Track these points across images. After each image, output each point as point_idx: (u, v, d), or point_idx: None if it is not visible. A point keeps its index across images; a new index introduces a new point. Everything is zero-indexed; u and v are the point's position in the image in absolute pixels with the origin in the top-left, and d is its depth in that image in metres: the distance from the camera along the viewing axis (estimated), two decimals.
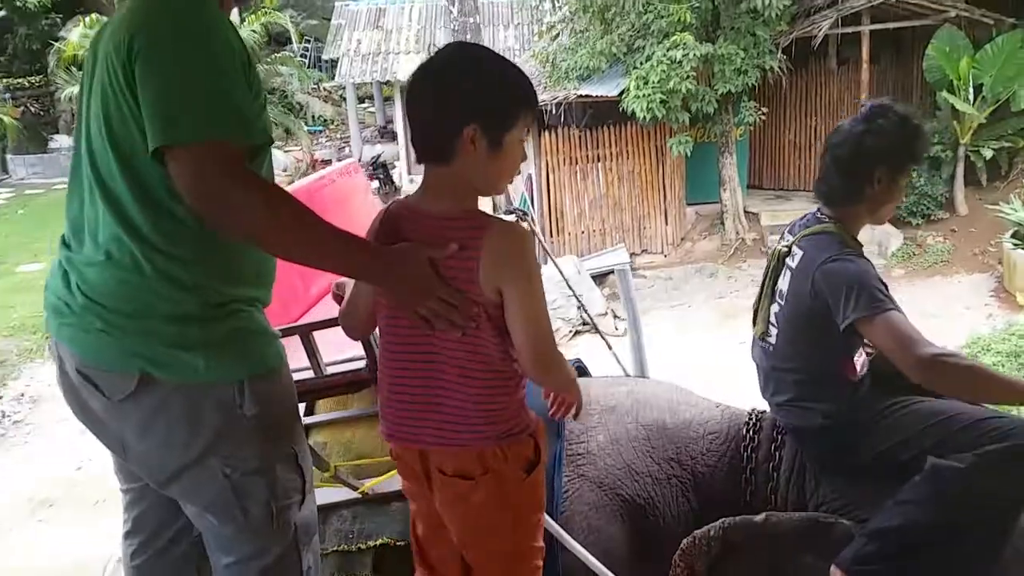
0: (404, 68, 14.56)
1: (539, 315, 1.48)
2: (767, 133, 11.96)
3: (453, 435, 1.55)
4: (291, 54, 17.67)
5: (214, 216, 1.36)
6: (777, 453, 2.34)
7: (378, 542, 2.18)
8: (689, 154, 10.74)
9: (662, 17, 10.00)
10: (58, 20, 18.71)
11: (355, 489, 2.17)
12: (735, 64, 9.95)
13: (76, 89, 13.83)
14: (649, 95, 9.90)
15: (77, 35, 13.96)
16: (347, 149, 19.51)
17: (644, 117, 10.06)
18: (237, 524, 1.56)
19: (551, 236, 11.44)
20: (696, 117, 10.47)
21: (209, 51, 1.38)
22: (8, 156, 19.56)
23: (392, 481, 2.18)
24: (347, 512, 2.24)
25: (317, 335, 1.87)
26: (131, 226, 1.43)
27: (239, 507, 1.54)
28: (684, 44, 9.77)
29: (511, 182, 1.65)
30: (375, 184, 16.76)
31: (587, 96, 10.83)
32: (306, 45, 22.69)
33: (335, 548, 2.21)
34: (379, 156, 17.23)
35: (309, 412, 2.45)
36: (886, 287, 2.06)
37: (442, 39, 12.57)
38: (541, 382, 1.59)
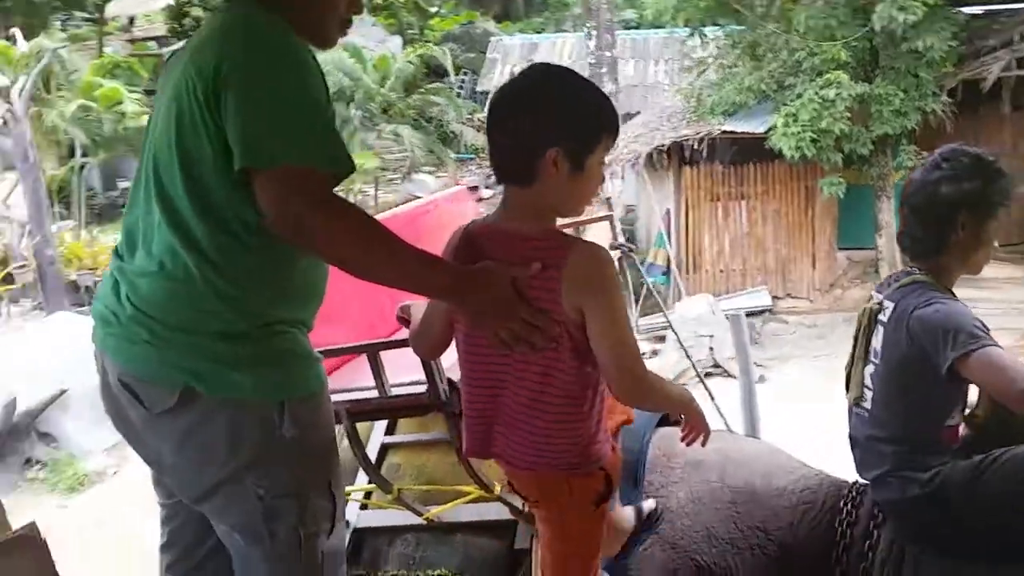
0: None
1: (623, 334, 1.45)
2: None
3: (521, 458, 1.54)
4: (447, 86, 18.31)
5: (295, 238, 1.39)
6: (876, 531, 2.13)
7: (435, 572, 2.16)
8: (842, 196, 10.24)
9: (815, 55, 9.64)
10: None
11: (419, 515, 2.16)
12: (893, 105, 9.43)
13: None
14: (799, 133, 9.54)
15: None
16: (493, 177, 19.88)
17: (793, 156, 9.70)
18: (264, 547, 1.53)
19: (687, 273, 11.20)
20: (850, 158, 9.98)
21: (301, 81, 1.42)
22: None
23: (459, 511, 2.16)
24: (411, 537, 2.24)
25: (385, 357, 1.88)
26: (188, 238, 1.45)
27: (268, 529, 1.52)
28: (838, 83, 9.37)
29: (591, 204, 1.64)
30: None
31: (732, 132, 10.57)
32: (463, 77, 23.47)
33: (395, 572, 2.21)
34: None
35: (390, 431, 2.47)
36: (984, 326, 1.93)
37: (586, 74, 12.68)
38: (634, 403, 1.55)
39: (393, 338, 1.78)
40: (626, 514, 2.17)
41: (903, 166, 10.12)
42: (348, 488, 2.25)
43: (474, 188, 3.53)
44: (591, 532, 1.63)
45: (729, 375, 9.62)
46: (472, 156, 22.43)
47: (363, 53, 14.49)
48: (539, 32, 21.83)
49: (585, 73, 9.50)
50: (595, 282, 1.42)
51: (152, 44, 21.17)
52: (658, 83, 15.28)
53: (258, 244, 1.46)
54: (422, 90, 16.51)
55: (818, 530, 2.18)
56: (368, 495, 2.31)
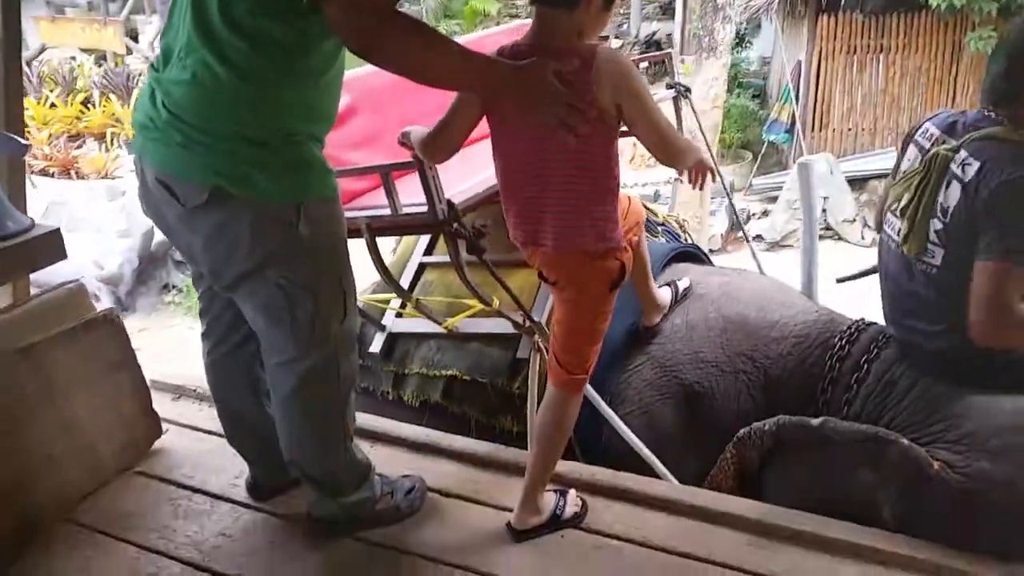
0: None
1: (657, 117, 1.72)
2: None
3: (557, 240, 1.81)
4: None
5: (372, 52, 1.55)
6: (866, 365, 2.22)
7: (448, 373, 2.44)
8: (991, 52, 9.32)
9: None
10: None
11: (439, 323, 2.43)
12: None
13: None
14: None
15: None
16: (625, 25, 19.19)
17: (940, 4, 8.87)
18: (284, 328, 1.79)
19: (812, 131, 10.68)
20: (1007, 8, 9.01)
21: None
22: None
23: (473, 322, 2.42)
24: (434, 343, 2.53)
25: (401, 182, 2.08)
26: (221, 53, 1.58)
27: (288, 312, 1.76)
28: None
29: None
30: (643, 65, 16.40)
31: None
32: None
33: (418, 371, 2.51)
34: (654, 34, 16.77)
35: (429, 251, 2.72)
36: None
37: None
38: (673, 165, 1.77)
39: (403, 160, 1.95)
40: (663, 293, 2.46)
41: None
42: (383, 295, 2.54)
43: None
44: (602, 312, 1.93)
45: (842, 239, 9.35)
46: None
47: None
48: None
49: None
50: (625, 79, 1.67)
51: None
52: None
53: (284, 61, 1.61)
54: None
55: (806, 363, 2.29)
56: (404, 305, 2.60)
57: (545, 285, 1.99)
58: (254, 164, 1.67)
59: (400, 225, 2.10)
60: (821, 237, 9.71)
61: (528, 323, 2.30)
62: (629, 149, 9.88)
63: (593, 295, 1.90)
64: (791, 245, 9.24)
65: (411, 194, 2.03)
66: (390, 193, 2.04)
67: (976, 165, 1.86)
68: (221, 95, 1.63)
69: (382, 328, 2.58)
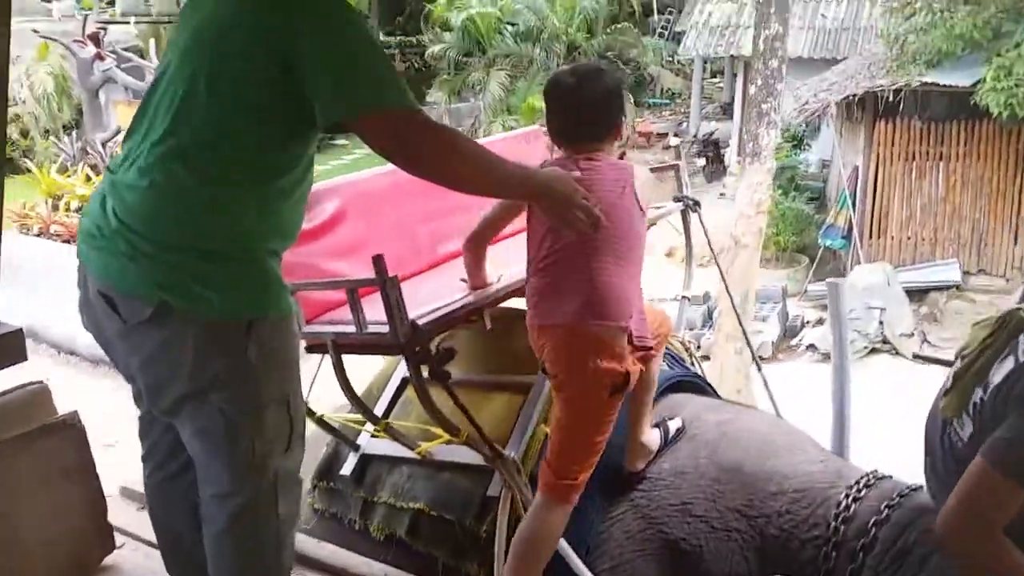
0: (748, 43, 14.00)
1: None
2: None
3: (568, 311, 1.92)
4: (641, 26, 17.77)
5: (419, 168, 1.65)
6: (873, 529, 1.95)
7: (416, 506, 2.25)
8: None
9: None
10: None
11: (412, 448, 2.26)
12: None
13: (438, 48, 15.46)
14: (1010, 89, 8.47)
15: None
16: (685, 124, 19.32)
17: (1001, 114, 8.65)
18: (221, 458, 1.66)
19: (870, 238, 10.37)
20: None
21: (366, 30, 1.63)
22: None
23: (449, 449, 2.23)
24: (406, 469, 2.35)
25: (373, 297, 1.96)
26: (192, 156, 1.54)
27: (227, 441, 1.64)
28: None
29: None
30: (702, 161, 16.41)
31: (934, 84, 9.52)
32: (668, 17, 22.66)
33: (386, 500, 2.33)
34: (712, 133, 16.81)
35: None
36: None
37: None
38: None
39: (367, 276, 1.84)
40: (653, 435, 2.26)
41: None
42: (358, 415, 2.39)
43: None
44: (601, 419, 1.95)
45: (899, 354, 8.92)
46: (668, 102, 21.73)
47: None
48: None
49: (750, 13, 8.68)
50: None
51: None
52: (871, 27, 13.97)
53: (259, 171, 1.58)
54: (609, 30, 16.16)
55: (806, 524, 2.03)
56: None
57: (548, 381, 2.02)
58: (205, 278, 1.58)
59: (365, 344, 1.97)
60: (877, 351, 9.39)
61: (499, 456, 2.11)
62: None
63: (592, 396, 1.91)
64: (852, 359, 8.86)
65: (381, 311, 1.90)
66: (355, 310, 1.92)
67: None
68: (180, 201, 1.57)
69: (356, 448, 2.42)
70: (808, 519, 2.02)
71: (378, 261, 1.82)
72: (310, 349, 2.12)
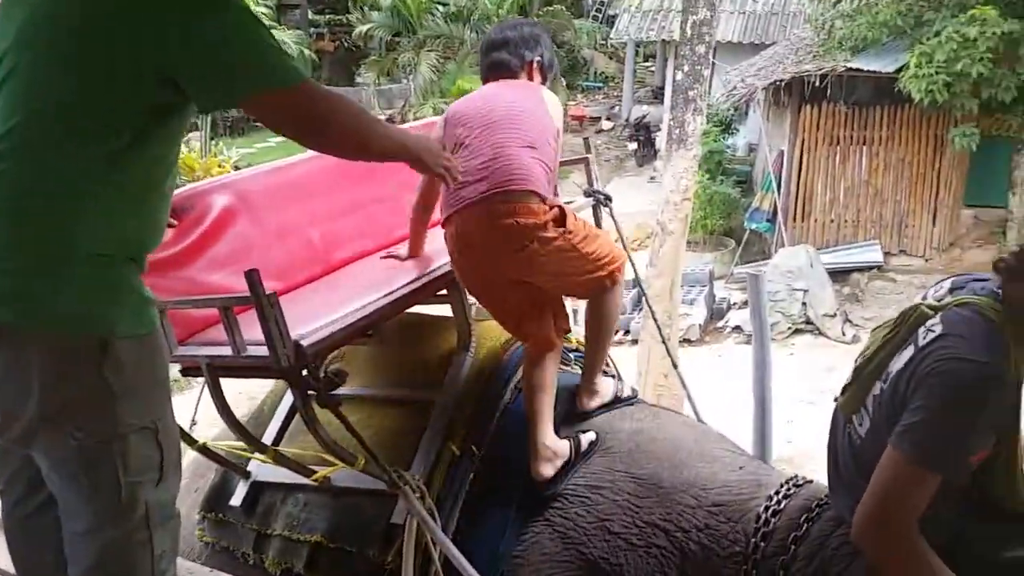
0: (678, 27, 14.03)
1: None
2: None
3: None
4: (564, 9, 17.64)
5: (322, 140, 1.62)
6: (793, 547, 1.88)
7: (313, 538, 2.10)
8: (975, 148, 9.25)
9: None
10: None
11: (307, 475, 2.10)
12: None
13: (367, 28, 15.11)
14: (932, 75, 8.59)
15: None
16: (617, 108, 19.33)
17: (923, 100, 8.78)
18: (83, 493, 1.50)
19: (794, 221, 10.51)
20: (988, 105, 8.94)
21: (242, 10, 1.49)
22: None
23: (350, 476, 2.09)
24: (302, 496, 2.19)
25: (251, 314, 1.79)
26: (33, 141, 1.39)
27: (87, 475, 1.49)
28: (983, 19, 8.33)
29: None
30: (633, 146, 16.45)
31: (858, 70, 9.65)
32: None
33: (280, 532, 2.17)
34: (644, 117, 16.83)
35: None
36: (968, 447, 1.53)
37: None
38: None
39: (244, 294, 1.67)
40: (562, 445, 2.14)
41: None
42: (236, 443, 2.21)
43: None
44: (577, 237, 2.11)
45: (822, 334, 9.07)
46: (601, 85, 21.71)
47: None
48: None
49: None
50: None
51: None
52: (800, 12, 14.12)
53: (115, 158, 1.41)
54: (541, 12, 16.01)
55: (726, 539, 1.95)
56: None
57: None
58: (47, 290, 1.40)
59: (241, 368, 1.80)
60: (801, 331, 9.54)
61: (403, 481, 1.97)
62: None
63: (525, 247, 2.03)
64: (772, 339, 8.97)
65: (257, 329, 1.74)
66: (230, 331, 1.75)
67: (936, 332, 1.57)
68: (16, 199, 1.39)
69: (246, 476, 2.24)
70: (728, 535, 1.95)
71: (251, 276, 1.65)
72: (185, 372, 1.95)
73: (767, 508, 1.95)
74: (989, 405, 1.52)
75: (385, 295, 2.05)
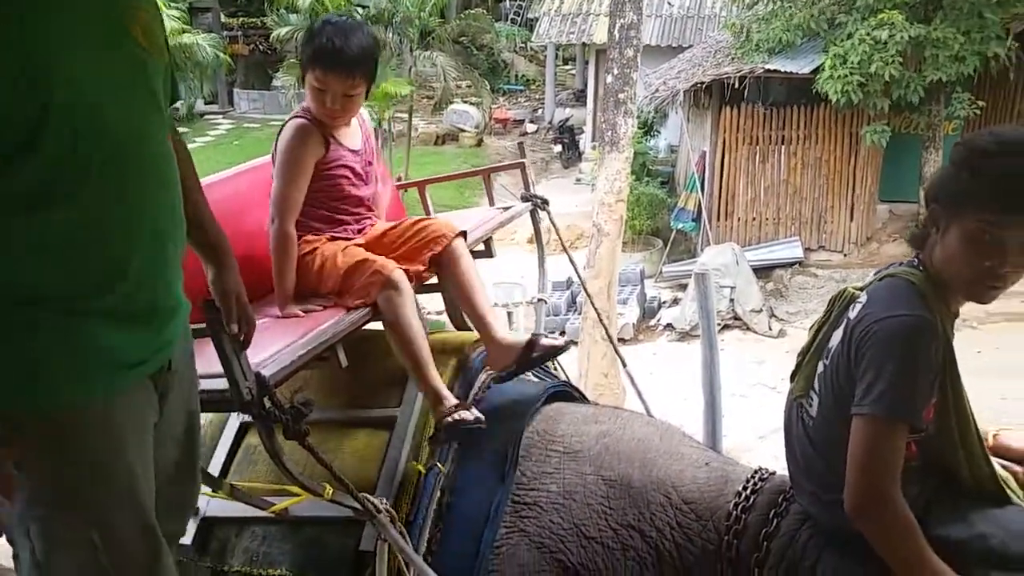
0: (600, 30, 14.18)
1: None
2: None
3: None
4: (492, 12, 17.68)
5: None
6: (765, 544, 1.89)
7: (276, 572, 2.00)
8: (886, 145, 9.63)
9: None
10: None
11: (264, 508, 1.99)
12: (951, 49, 8.68)
13: (285, 31, 14.73)
14: (846, 77, 8.91)
15: None
16: (540, 111, 19.44)
17: (838, 100, 9.09)
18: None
19: (718, 220, 10.75)
20: (898, 105, 9.31)
21: None
22: (235, 90, 21.25)
23: (309, 506, 1.99)
24: (259, 530, 2.08)
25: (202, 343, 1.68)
26: None
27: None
28: (892, 23, 8.67)
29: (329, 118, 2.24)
30: (558, 148, 16.57)
31: (776, 72, 9.94)
32: (520, 3, 22.72)
33: (239, 568, 2.05)
34: (567, 120, 16.98)
35: None
36: (920, 389, 1.57)
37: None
38: None
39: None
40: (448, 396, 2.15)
41: (956, 116, 9.45)
42: None
43: None
44: None
45: (749, 329, 9.29)
46: (522, 88, 21.81)
47: None
48: None
49: (605, 2, 8.85)
50: None
51: None
52: (716, 15, 14.47)
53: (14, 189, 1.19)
54: (462, 15, 15.97)
55: (699, 537, 1.95)
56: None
57: None
58: None
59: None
60: (729, 327, 9.76)
61: (374, 507, 1.89)
62: None
63: None
64: (697, 335, 9.15)
65: (211, 361, 1.63)
66: None
67: (863, 302, 1.66)
68: None
69: (194, 512, 2.12)
70: (700, 533, 1.94)
71: (209, 307, 1.55)
72: None
73: (736, 505, 1.95)
74: (925, 349, 1.57)
75: (343, 315, 1.97)
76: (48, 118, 1.19)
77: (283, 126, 2.25)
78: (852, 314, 1.67)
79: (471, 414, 2.09)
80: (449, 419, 2.06)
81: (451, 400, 2.10)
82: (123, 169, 1.28)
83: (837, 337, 1.69)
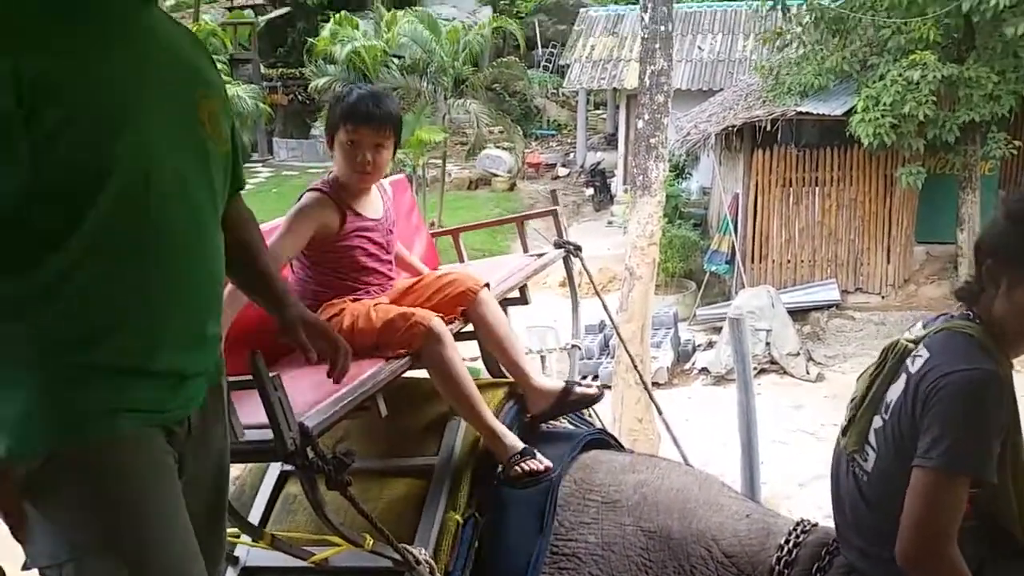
0: (631, 76, 14.35)
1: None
2: (1023, 171, 10.35)
3: None
4: (528, 59, 18.00)
5: None
6: None
7: None
8: (922, 186, 9.56)
9: (902, 33, 8.93)
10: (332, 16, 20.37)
11: (303, 558, 2.01)
12: (985, 89, 8.66)
13: (323, 81, 15.11)
14: (878, 119, 8.90)
15: (327, 31, 15.13)
16: (572, 155, 19.61)
17: (871, 142, 9.07)
18: None
19: (752, 262, 10.70)
20: (932, 145, 9.27)
21: None
22: (274, 139, 21.76)
23: (349, 556, 2.00)
24: None
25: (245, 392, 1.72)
26: None
27: None
28: (924, 64, 8.67)
29: (364, 175, 2.29)
30: (590, 191, 16.68)
31: (808, 114, 9.95)
32: (552, 51, 23.10)
33: None
34: (599, 163, 17.11)
35: None
36: (991, 444, 1.56)
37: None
38: None
39: (242, 377, 1.59)
40: (514, 439, 2.20)
41: (991, 155, 9.38)
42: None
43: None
44: None
45: (787, 373, 9.17)
46: (554, 132, 22.08)
47: (438, 24, 14.32)
48: (633, 3, 21.21)
49: (636, 48, 8.96)
50: None
51: (249, 12, 21.53)
52: (746, 58, 14.58)
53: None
54: (494, 63, 16.26)
55: None
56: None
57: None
58: None
59: (241, 453, 1.72)
60: (765, 371, 9.64)
61: (412, 558, 1.90)
62: None
63: None
64: (734, 379, 9.05)
65: (253, 411, 1.67)
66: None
67: (925, 356, 1.64)
68: None
69: (234, 562, 2.14)
70: None
71: (255, 358, 1.58)
72: None
73: (779, 560, 1.93)
74: (994, 403, 1.56)
75: (382, 364, 2.00)
76: (112, 168, 1.24)
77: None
78: (913, 368, 1.65)
79: (541, 463, 2.12)
80: (519, 468, 2.09)
81: (515, 442, 2.14)
82: (169, 239, 1.33)
83: (896, 391, 1.67)
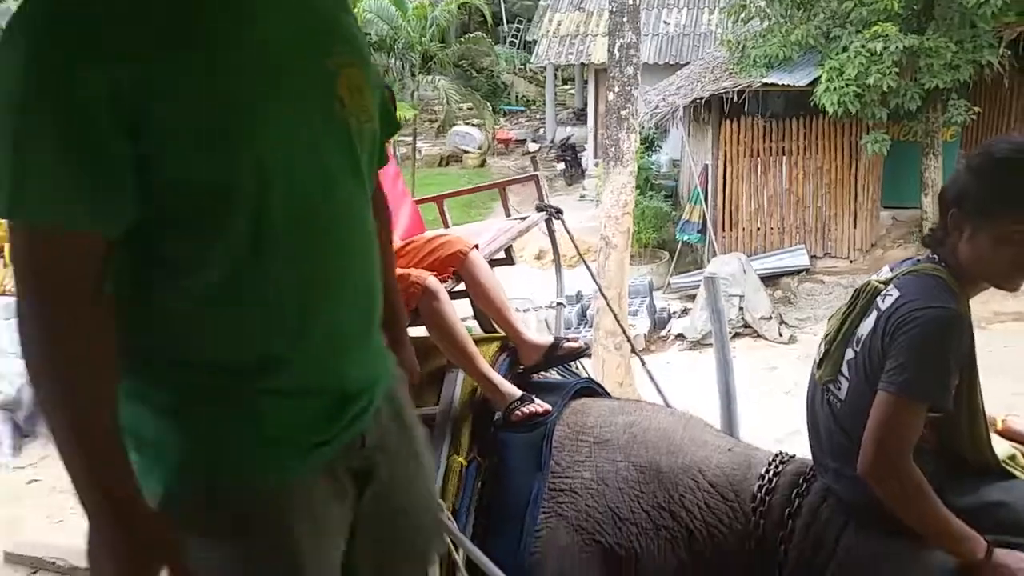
0: (598, 51, 14.44)
1: None
2: (983, 136, 10.62)
3: None
4: (484, 36, 17.95)
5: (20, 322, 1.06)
6: (790, 522, 2.03)
7: None
8: (887, 153, 9.80)
9: (864, 5, 9.11)
10: None
11: None
12: (945, 58, 8.87)
13: None
14: (843, 88, 9.10)
15: None
16: (542, 130, 19.69)
17: (836, 111, 9.28)
18: None
19: (723, 231, 10.90)
20: (896, 114, 9.50)
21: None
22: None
23: None
24: None
25: None
26: None
27: None
28: (886, 35, 8.86)
29: None
30: (561, 166, 16.78)
31: (774, 85, 10.14)
32: (518, 26, 23.07)
33: None
34: (569, 138, 17.21)
35: None
36: (950, 376, 1.71)
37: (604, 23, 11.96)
38: None
39: None
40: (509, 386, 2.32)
41: (953, 122, 9.62)
42: None
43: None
44: None
45: (760, 336, 9.41)
46: (522, 108, 22.12)
47: (404, 0, 14.28)
48: None
49: (602, 23, 9.05)
50: None
51: None
52: (711, 32, 14.73)
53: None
54: (462, 40, 16.25)
55: (726, 518, 2.09)
56: None
57: None
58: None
59: None
60: (740, 335, 9.89)
61: None
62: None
63: None
64: (712, 344, 9.26)
65: None
66: None
67: (895, 295, 1.79)
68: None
69: None
70: (727, 513, 2.07)
71: None
72: None
73: (760, 488, 2.08)
74: (956, 340, 1.72)
75: None
76: (239, 181, 1.08)
77: None
78: (884, 305, 1.79)
79: (540, 406, 2.25)
80: (520, 412, 2.22)
81: (513, 390, 2.26)
82: (316, 239, 1.16)
83: (868, 326, 1.82)
